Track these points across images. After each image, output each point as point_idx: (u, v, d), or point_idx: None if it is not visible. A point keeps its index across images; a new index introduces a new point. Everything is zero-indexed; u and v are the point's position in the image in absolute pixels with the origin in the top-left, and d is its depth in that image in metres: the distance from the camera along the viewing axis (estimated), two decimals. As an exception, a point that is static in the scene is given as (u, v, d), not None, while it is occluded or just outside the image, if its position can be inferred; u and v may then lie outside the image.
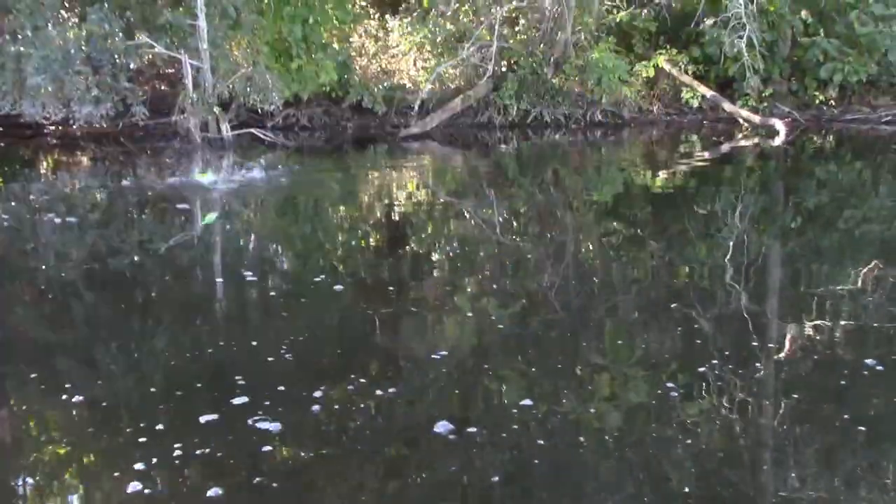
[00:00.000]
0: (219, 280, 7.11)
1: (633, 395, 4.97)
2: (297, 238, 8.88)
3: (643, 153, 16.30)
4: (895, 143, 17.11)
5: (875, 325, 6.05)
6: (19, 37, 14.01)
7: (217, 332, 5.82)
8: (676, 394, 4.83)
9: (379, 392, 4.81)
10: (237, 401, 4.64)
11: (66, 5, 14.83)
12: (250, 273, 7.09)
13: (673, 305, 6.40)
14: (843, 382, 4.99)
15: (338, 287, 6.78)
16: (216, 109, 14.87)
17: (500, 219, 10.03)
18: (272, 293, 6.80)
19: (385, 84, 17.47)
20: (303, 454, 4.18)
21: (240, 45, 15.71)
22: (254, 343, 5.53)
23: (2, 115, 14.46)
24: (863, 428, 4.41)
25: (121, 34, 14.28)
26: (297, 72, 16.11)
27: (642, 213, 10.58)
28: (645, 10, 18.82)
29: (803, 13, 18.56)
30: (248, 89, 15.03)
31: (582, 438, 4.38)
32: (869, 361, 5.20)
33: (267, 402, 4.61)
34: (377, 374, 5.14)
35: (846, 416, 4.54)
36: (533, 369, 5.28)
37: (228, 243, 8.47)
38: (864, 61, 18.30)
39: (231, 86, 14.93)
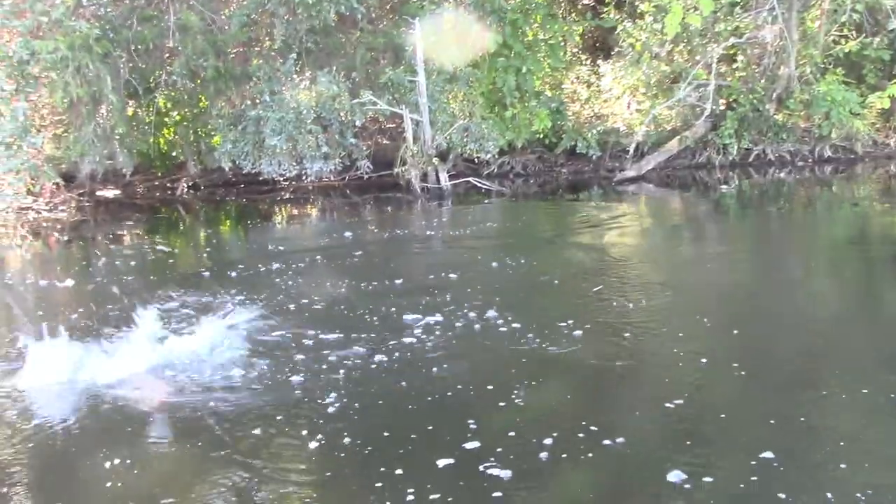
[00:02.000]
0: (458, 324, 7.08)
1: (890, 451, 4.56)
2: (543, 284, 8.85)
3: (880, 189, 15.12)
4: None
5: None
6: (258, 102, 15.23)
7: (455, 377, 5.92)
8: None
9: (607, 441, 4.71)
10: (469, 445, 4.70)
11: (298, 70, 15.95)
12: (495, 312, 7.20)
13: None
14: None
15: (577, 333, 6.72)
16: (435, 160, 15.43)
17: (730, 263, 9.63)
18: (507, 341, 6.67)
19: (598, 128, 17.39)
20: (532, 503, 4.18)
21: (456, 97, 16.24)
22: (489, 387, 5.61)
23: (244, 173, 15.73)
24: None
25: (347, 94, 15.17)
26: (511, 120, 16.42)
27: (881, 254, 9.81)
28: (877, 38, 17.57)
29: None
30: (465, 139, 15.49)
31: (829, 495, 4.07)
32: None
33: (499, 448, 4.64)
34: (608, 422, 5.03)
35: None
36: (772, 420, 4.98)
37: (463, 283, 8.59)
38: None
39: (448, 137, 15.45)
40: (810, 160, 17.18)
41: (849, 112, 16.57)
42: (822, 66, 17.32)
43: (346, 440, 4.88)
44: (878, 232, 11.44)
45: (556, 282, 8.68)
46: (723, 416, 5.09)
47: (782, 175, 16.43)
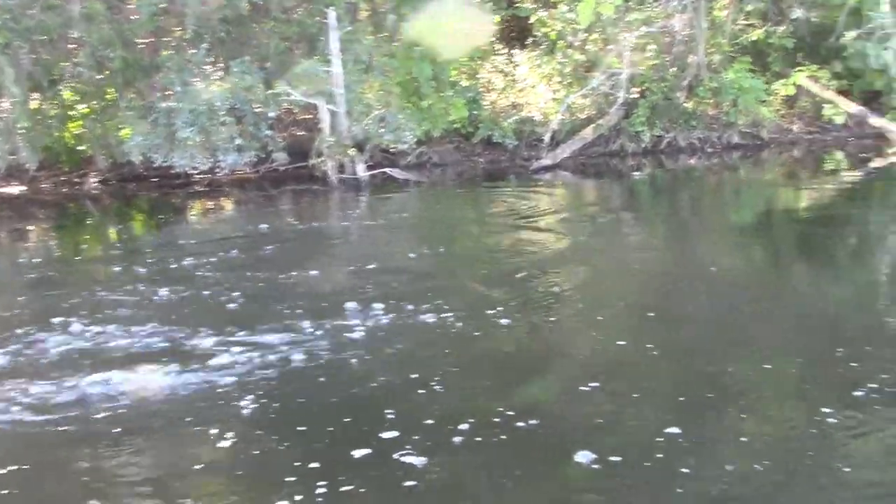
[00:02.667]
0: (378, 315, 6.97)
1: (788, 422, 4.75)
2: (463, 273, 8.85)
3: (784, 174, 15.66)
4: None
5: None
6: (169, 93, 14.85)
7: (375, 368, 5.88)
8: (837, 421, 4.57)
9: (521, 424, 4.78)
10: (386, 435, 4.70)
11: (211, 61, 15.60)
12: (416, 302, 7.16)
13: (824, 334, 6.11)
14: None
15: (502, 320, 6.75)
16: (351, 151, 15.30)
17: (645, 248, 9.84)
18: (428, 330, 6.65)
19: (514, 118, 17.51)
20: (444, 488, 4.20)
21: (372, 87, 16.11)
22: (410, 377, 5.60)
23: (155, 166, 15.33)
24: None
25: (261, 85, 14.90)
26: (427, 110, 16.39)
27: (781, 235, 10.18)
28: (781, 27, 18.11)
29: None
30: (382, 130, 15.40)
31: (729, 467, 4.22)
32: None
33: (415, 436, 4.65)
34: (524, 406, 5.09)
35: None
36: (681, 397, 5.14)
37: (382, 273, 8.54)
38: None
39: (365, 127, 15.32)
40: (719, 146, 17.59)
41: (755, 99, 17.06)
42: (730, 54, 17.79)
43: (260, 439, 4.82)
44: (784, 213, 11.83)
45: (481, 270, 8.73)
46: (635, 395, 5.21)
47: (692, 161, 16.81)
